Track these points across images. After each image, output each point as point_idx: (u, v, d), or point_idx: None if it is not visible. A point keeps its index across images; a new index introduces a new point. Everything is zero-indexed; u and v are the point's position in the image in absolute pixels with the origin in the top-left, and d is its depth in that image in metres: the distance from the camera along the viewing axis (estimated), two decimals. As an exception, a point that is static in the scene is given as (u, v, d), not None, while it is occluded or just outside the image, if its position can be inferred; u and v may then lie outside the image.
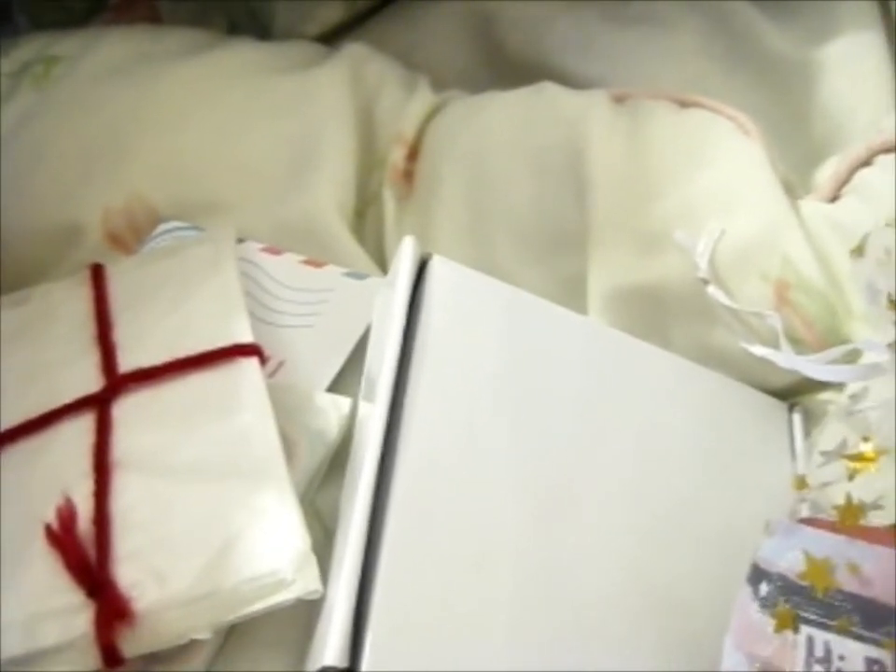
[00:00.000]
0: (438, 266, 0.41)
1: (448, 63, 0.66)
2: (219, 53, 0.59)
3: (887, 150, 0.49)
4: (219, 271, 0.46)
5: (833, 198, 0.51)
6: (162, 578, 0.36)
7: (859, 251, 0.36)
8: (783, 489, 0.40)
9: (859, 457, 0.33)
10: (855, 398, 0.35)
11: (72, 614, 0.36)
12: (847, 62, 0.58)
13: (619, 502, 0.40)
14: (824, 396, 0.47)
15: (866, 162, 0.50)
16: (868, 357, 0.40)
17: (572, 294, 0.51)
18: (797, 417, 0.47)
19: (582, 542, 0.39)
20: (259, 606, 0.35)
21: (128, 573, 0.36)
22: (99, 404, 0.42)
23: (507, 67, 0.65)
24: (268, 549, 0.36)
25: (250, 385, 0.41)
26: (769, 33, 0.61)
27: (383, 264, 0.53)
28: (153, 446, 0.40)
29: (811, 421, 0.46)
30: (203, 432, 0.40)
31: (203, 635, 0.35)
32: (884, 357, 0.35)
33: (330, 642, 0.33)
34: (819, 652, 0.31)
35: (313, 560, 0.35)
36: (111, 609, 0.35)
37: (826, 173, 0.52)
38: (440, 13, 0.67)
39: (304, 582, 0.35)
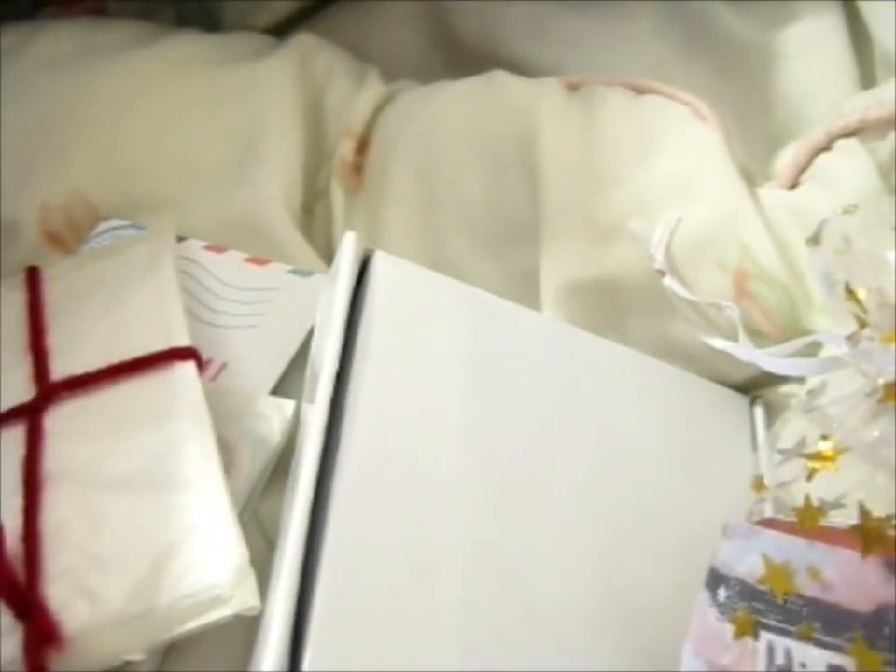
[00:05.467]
0: (380, 262, 0.39)
1: (401, 53, 0.65)
2: (163, 45, 0.58)
3: (846, 135, 0.48)
4: (156, 271, 0.45)
5: (793, 185, 0.50)
6: (94, 597, 0.34)
7: (815, 240, 0.35)
8: (745, 486, 0.39)
9: (817, 456, 0.32)
10: (813, 393, 0.34)
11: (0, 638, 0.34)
12: (806, 46, 0.57)
13: (576, 503, 0.39)
14: (786, 389, 0.46)
15: (826, 148, 0.49)
16: (828, 350, 0.39)
17: (526, 288, 0.49)
18: (758, 411, 0.46)
19: (539, 545, 0.37)
20: (194, 624, 0.34)
21: (59, 593, 0.35)
22: (30, 414, 0.40)
23: (461, 57, 0.64)
24: (204, 564, 0.34)
25: (186, 390, 0.39)
26: (728, 17, 0.60)
27: (332, 261, 0.51)
28: (85, 458, 0.38)
29: (773, 414, 0.46)
30: (136, 442, 0.38)
31: (137, 656, 0.34)
32: (843, 349, 0.34)
33: (268, 653, 0.31)
34: (779, 660, 0.30)
35: (250, 574, 0.34)
36: (40, 633, 0.34)
37: (785, 159, 0.51)
38: (392, 3, 0.65)
39: (242, 598, 0.33)
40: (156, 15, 0.68)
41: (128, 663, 0.34)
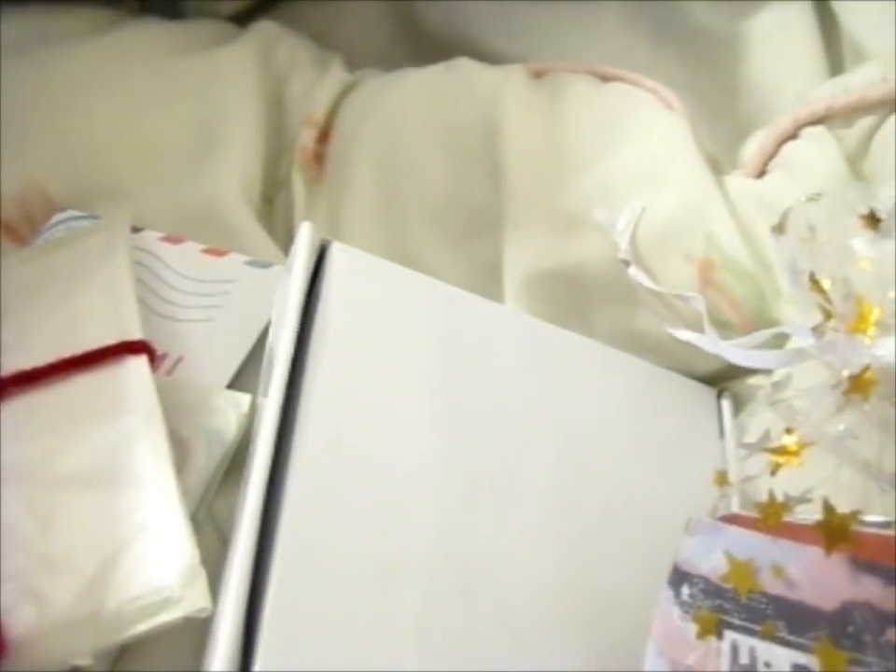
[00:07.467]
0: (337, 253, 0.38)
1: (366, 42, 0.64)
2: (121, 33, 0.57)
3: (813, 122, 0.47)
4: (110, 262, 0.44)
5: (760, 173, 0.49)
6: (41, 599, 0.33)
7: (779, 228, 0.34)
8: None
9: (782, 451, 0.31)
10: (778, 385, 0.33)
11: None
12: (774, 34, 0.56)
13: (542, 498, 0.38)
14: (753, 380, 0.45)
15: (793, 135, 0.48)
16: (795, 341, 0.38)
17: (489, 279, 0.49)
18: (726, 403, 0.45)
19: (503, 541, 0.37)
20: (144, 627, 0.33)
21: (5, 596, 0.33)
22: (-22, 410, 0.39)
23: (426, 45, 0.63)
24: (153, 564, 0.33)
25: (138, 385, 0.38)
26: (695, 6, 0.59)
27: (293, 252, 0.51)
28: (35, 456, 0.37)
29: (741, 406, 0.45)
30: (87, 439, 0.37)
31: (85, 660, 0.33)
32: (809, 341, 0.33)
33: (219, 652, 0.30)
34: (743, 659, 0.29)
35: (201, 575, 0.33)
36: (-16, 640, 0.32)
37: (751, 147, 0.50)
38: (357, -9, 0.65)
39: (192, 600, 0.33)
40: (118, 2, 0.67)
41: (76, 667, 0.33)
